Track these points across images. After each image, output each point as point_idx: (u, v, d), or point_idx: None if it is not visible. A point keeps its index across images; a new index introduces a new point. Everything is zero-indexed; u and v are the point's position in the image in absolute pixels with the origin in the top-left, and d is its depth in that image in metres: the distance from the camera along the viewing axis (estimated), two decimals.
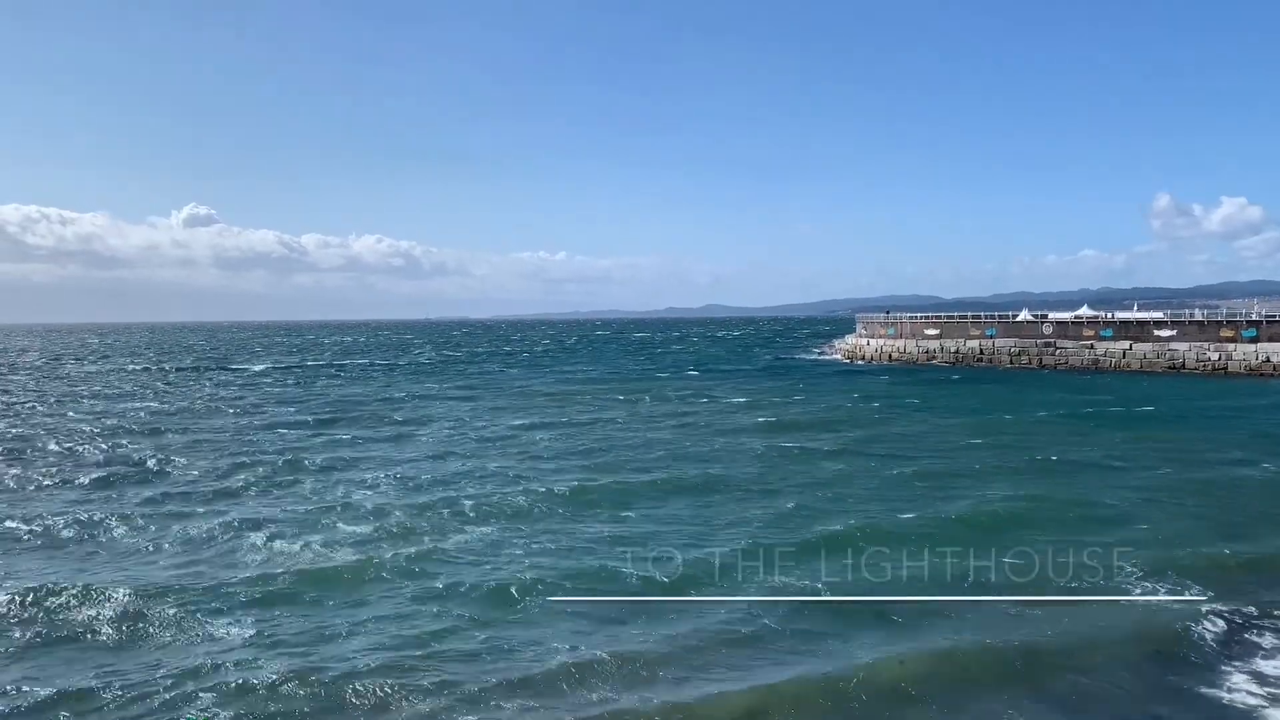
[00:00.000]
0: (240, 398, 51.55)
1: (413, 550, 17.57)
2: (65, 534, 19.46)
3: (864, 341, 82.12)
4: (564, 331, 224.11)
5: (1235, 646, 13.01)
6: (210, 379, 67.67)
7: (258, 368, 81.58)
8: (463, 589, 15.29)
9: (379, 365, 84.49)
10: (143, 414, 42.48)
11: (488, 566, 16.74)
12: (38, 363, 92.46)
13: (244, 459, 28.91)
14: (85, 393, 55.21)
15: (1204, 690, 11.72)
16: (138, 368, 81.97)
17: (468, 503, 21.74)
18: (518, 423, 37.86)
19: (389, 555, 17.20)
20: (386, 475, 25.60)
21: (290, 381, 64.31)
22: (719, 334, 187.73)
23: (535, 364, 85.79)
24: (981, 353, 70.30)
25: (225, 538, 19.01)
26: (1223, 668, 12.34)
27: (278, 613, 14.32)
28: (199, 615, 14.09)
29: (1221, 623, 13.70)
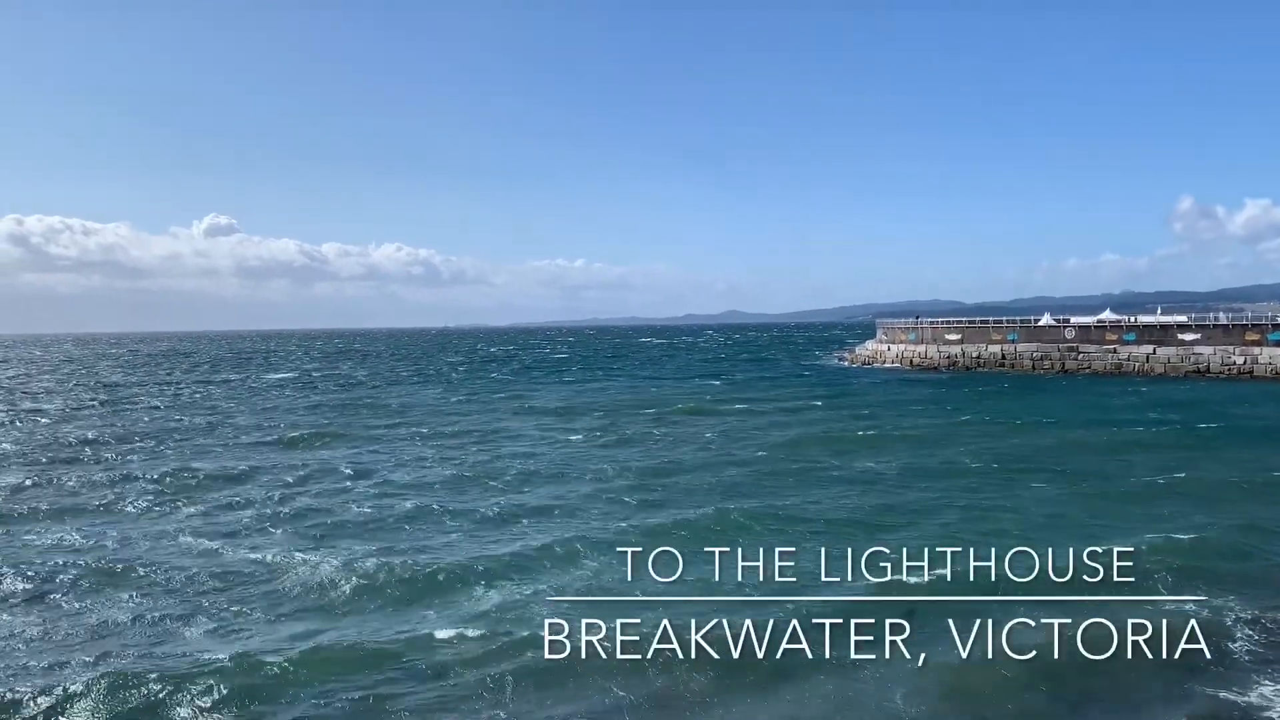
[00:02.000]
0: (274, 405, 52.80)
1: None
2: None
3: (884, 347, 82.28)
4: (592, 339, 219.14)
5: None
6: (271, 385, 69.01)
7: (275, 376, 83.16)
8: None
9: (426, 373, 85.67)
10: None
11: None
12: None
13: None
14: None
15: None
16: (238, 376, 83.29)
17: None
18: (591, 439, 36.51)
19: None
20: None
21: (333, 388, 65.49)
22: (742, 340, 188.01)
23: (578, 370, 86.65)
24: (1003, 357, 70.11)
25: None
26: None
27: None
28: None
29: None
